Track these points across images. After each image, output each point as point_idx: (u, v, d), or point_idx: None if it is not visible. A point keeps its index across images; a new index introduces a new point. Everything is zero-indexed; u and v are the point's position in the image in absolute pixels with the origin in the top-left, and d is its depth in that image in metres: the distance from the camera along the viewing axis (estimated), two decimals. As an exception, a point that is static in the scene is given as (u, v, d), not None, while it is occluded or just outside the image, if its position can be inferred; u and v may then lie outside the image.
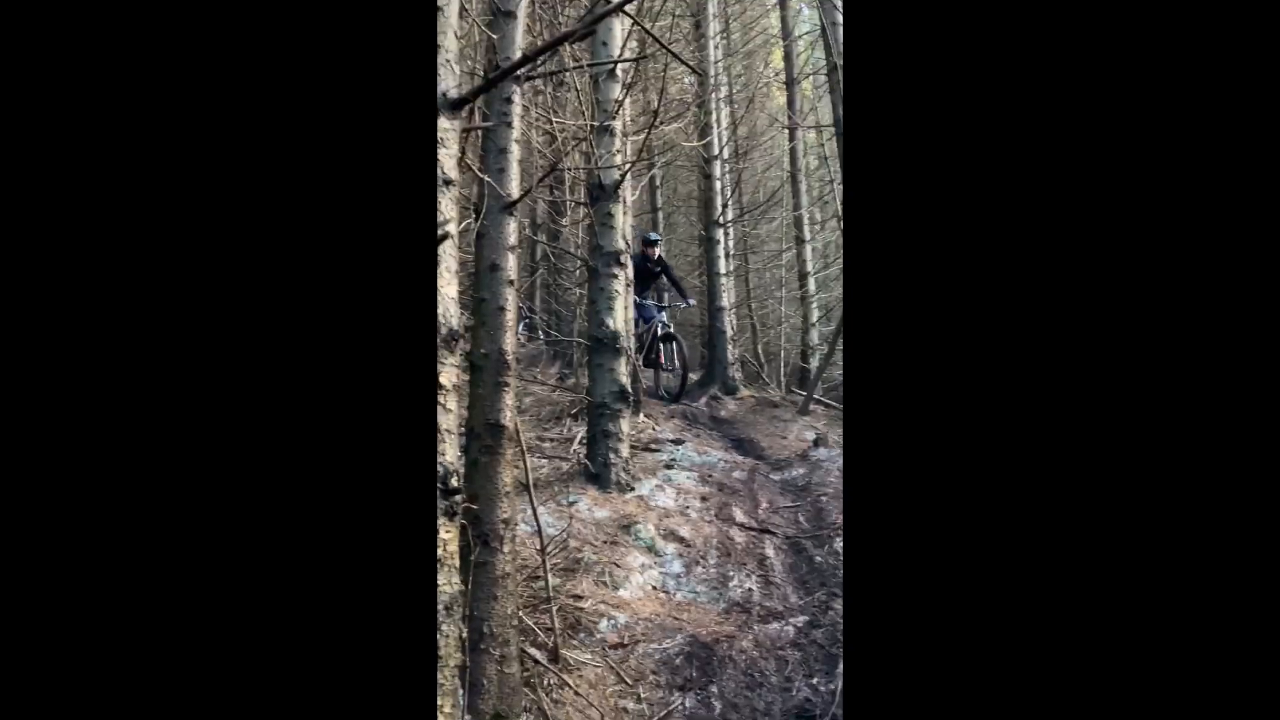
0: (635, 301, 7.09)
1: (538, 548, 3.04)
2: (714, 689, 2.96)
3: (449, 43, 1.86)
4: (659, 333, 7.60)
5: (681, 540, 4.14)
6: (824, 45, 7.01)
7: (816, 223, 11.69)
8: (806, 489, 5.03)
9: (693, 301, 8.29)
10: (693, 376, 8.60)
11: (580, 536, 3.94)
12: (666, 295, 8.21)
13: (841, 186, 7.67)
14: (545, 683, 2.78)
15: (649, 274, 7.76)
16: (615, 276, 4.73)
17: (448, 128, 1.79)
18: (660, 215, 10.56)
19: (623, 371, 4.72)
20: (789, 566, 4.01)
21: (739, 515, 4.55)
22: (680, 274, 9.02)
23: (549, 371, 8.40)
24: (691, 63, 7.90)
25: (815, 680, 2.99)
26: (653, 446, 5.71)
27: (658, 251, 7.75)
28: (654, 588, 3.72)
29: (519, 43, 2.66)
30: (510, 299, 2.71)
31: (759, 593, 3.73)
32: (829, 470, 5.27)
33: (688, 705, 2.89)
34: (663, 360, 7.65)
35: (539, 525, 3.07)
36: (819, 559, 4.01)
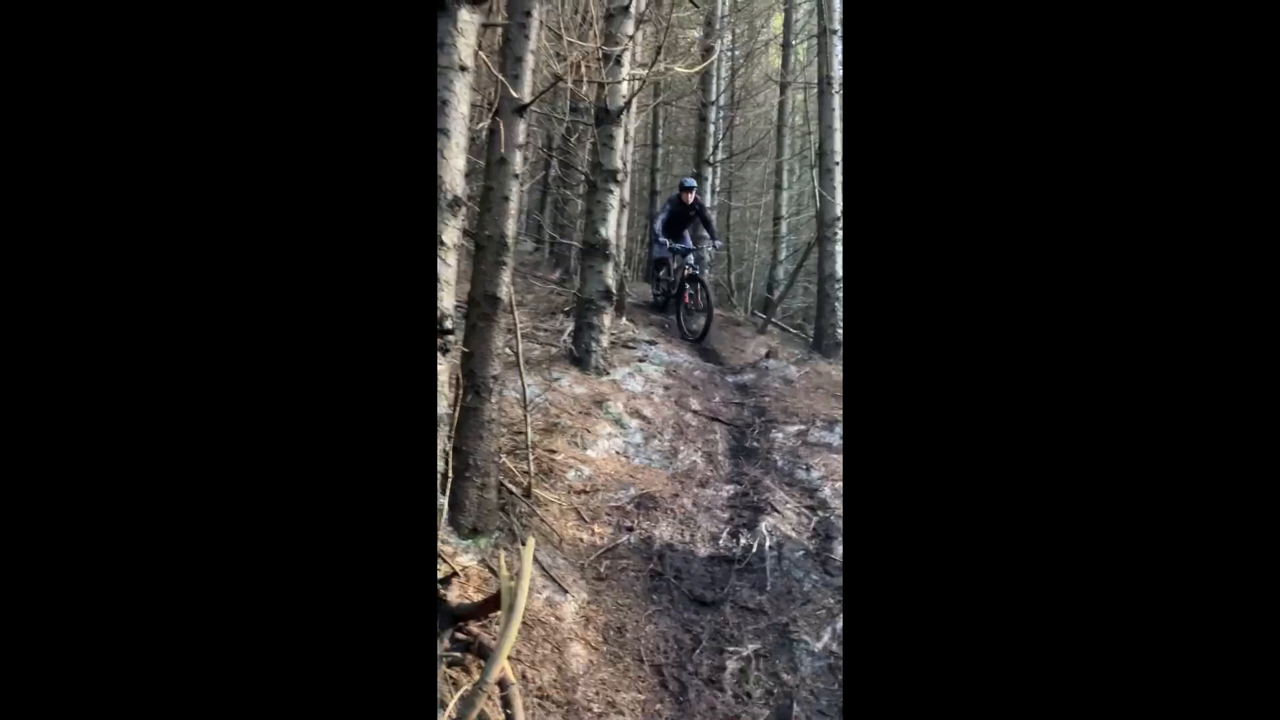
0: (668, 245, 6.88)
1: (522, 410, 3.11)
2: (655, 532, 3.10)
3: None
4: (687, 273, 6.87)
5: (644, 418, 4.24)
6: (818, 11, 6.76)
7: (794, 173, 11.52)
8: (753, 390, 5.13)
9: (720, 243, 7.88)
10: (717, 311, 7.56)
11: (559, 405, 4.02)
12: (703, 241, 7.46)
13: (817, 140, 7.39)
14: (517, 511, 2.89)
15: (685, 218, 7.07)
16: (611, 192, 4.69)
17: (467, 20, 1.75)
18: (660, 150, 10.34)
19: (610, 275, 4.72)
20: (730, 449, 4.12)
21: (694, 404, 4.64)
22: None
23: (551, 276, 8.36)
24: (701, 15, 7.58)
25: (739, 537, 3.13)
26: (630, 344, 5.76)
27: (693, 196, 7.00)
28: (617, 452, 3.83)
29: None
30: (514, 191, 2.69)
31: (702, 465, 3.85)
32: (775, 377, 5.35)
33: (632, 541, 3.02)
34: (688, 300, 6.87)
35: (524, 389, 3.14)
36: (754, 444, 4.12)
